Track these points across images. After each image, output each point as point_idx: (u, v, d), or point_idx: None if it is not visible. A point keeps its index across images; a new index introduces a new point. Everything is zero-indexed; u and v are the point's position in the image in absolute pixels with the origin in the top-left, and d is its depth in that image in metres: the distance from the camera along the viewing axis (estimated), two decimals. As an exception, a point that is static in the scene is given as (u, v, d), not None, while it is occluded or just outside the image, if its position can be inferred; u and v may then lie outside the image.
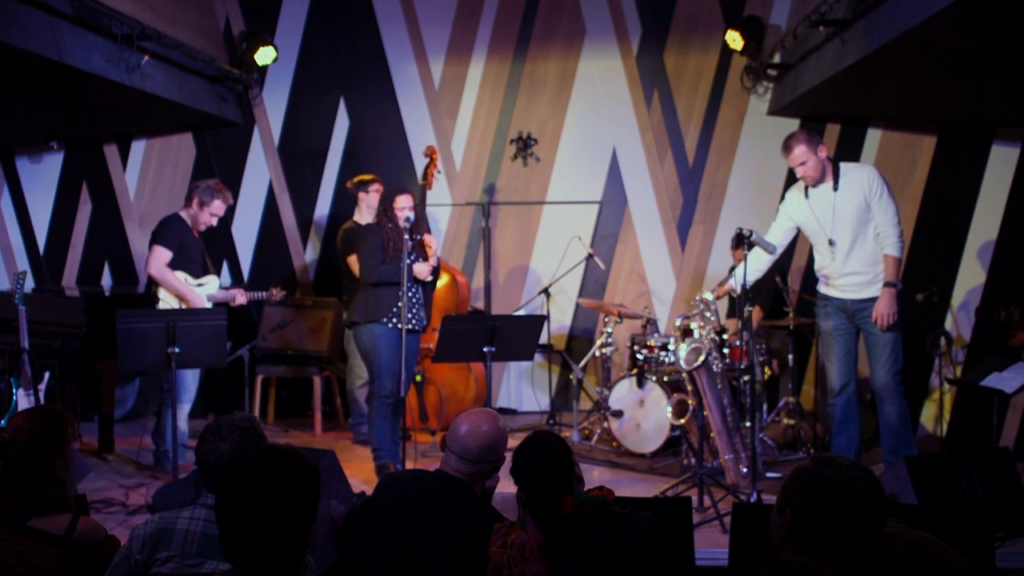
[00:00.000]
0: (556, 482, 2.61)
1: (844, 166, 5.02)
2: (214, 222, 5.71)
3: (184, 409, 5.58)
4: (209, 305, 5.62)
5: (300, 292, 7.52)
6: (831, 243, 5.00)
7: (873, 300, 4.93)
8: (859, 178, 4.94)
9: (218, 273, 5.95)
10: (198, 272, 5.68)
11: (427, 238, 5.46)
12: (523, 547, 2.53)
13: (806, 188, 5.08)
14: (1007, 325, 6.24)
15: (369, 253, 5.38)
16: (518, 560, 2.52)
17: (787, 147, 5.01)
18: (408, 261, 5.18)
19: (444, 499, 2.84)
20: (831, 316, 5.13)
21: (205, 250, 5.80)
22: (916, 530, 2.13)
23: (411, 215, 5.31)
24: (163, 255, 5.50)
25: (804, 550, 1.97)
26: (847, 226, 4.95)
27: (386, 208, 5.42)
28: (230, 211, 7.52)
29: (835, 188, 4.98)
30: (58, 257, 7.66)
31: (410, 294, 5.30)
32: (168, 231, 5.56)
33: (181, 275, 5.55)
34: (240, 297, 5.95)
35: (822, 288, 5.19)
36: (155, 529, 2.61)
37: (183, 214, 5.67)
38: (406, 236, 5.25)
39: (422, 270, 5.35)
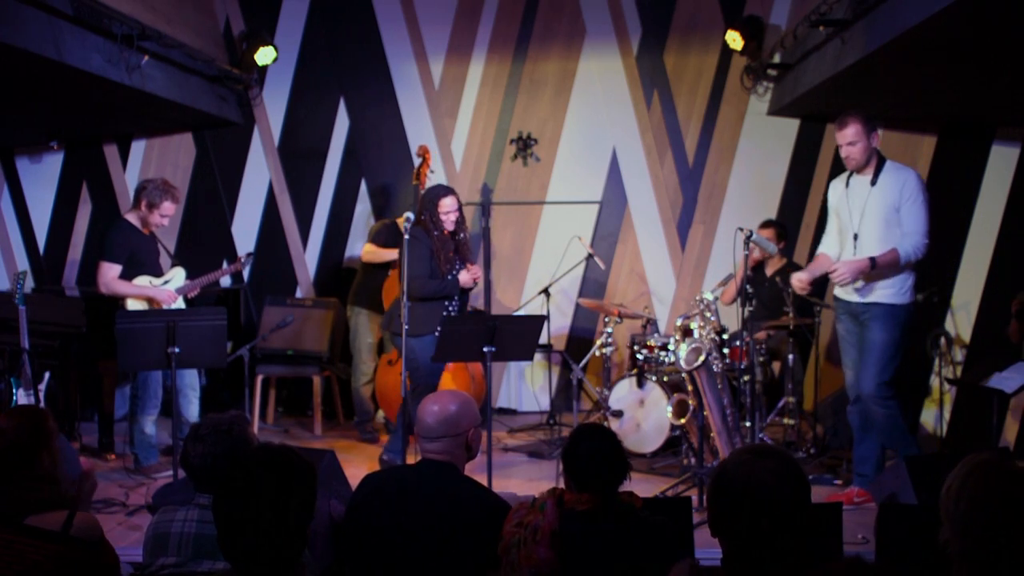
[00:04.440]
0: (617, 467, 2.68)
1: (888, 164, 4.81)
2: (165, 223, 5.60)
3: (152, 415, 5.59)
4: (180, 299, 5.56)
5: (300, 292, 7.52)
6: (855, 237, 4.81)
7: (880, 304, 4.76)
8: (898, 179, 4.73)
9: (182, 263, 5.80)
10: (158, 271, 5.61)
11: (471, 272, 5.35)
12: (536, 530, 2.54)
13: (848, 177, 4.88)
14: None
15: (417, 264, 5.15)
16: (528, 541, 2.54)
17: (842, 123, 4.75)
18: (453, 272, 5.21)
19: (429, 484, 2.86)
20: (842, 320, 4.97)
21: (161, 244, 5.69)
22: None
23: (412, 216, 5.27)
24: (109, 271, 5.40)
25: (725, 542, 1.98)
26: (875, 224, 4.75)
27: (431, 213, 5.24)
28: (230, 211, 7.53)
29: (872, 183, 4.77)
30: (58, 257, 7.65)
31: (458, 302, 5.31)
32: (113, 243, 5.44)
33: (144, 279, 5.50)
34: (201, 282, 5.72)
35: (836, 290, 4.99)
36: (152, 535, 2.63)
37: (131, 217, 5.56)
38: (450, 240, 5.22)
39: (466, 280, 5.31)
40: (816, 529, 3.42)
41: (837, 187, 5.01)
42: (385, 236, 6.39)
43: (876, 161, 4.80)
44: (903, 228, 4.74)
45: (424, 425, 2.94)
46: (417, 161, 6.23)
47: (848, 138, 4.75)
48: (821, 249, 5.12)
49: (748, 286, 5.14)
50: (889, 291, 4.78)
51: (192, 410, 5.65)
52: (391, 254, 6.28)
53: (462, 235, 5.38)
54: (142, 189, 5.53)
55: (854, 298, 4.87)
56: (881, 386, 4.76)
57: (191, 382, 5.66)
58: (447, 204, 5.26)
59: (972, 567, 1.87)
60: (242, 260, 6.01)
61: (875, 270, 4.71)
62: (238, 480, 1.91)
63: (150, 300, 5.48)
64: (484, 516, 2.76)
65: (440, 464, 2.90)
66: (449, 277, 5.26)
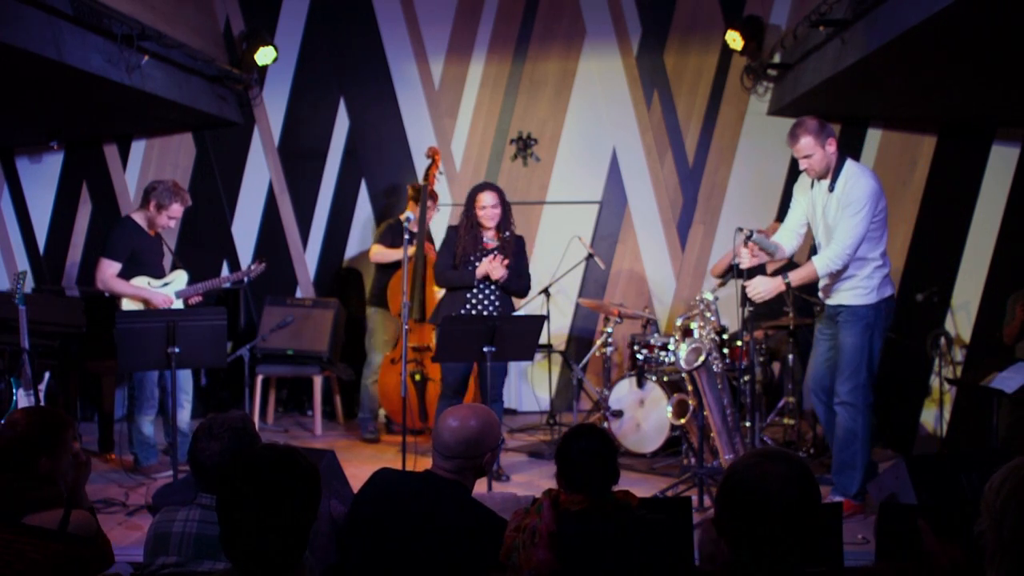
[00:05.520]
0: (609, 467, 2.67)
1: (848, 168, 4.58)
2: (172, 225, 5.61)
3: (149, 416, 5.57)
4: (178, 301, 5.54)
5: (300, 292, 7.52)
6: (820, 245, 4.74)
7: (845, 306, 4.65)
8: (850, 186, 4.52)
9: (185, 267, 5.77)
10: (160, 271, 5.61)
11: (489, 266, 5.27)
12: (534, 532, 2.54)
13: (814, 179, 4.73)
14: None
15: (441, 255, 5.42)
16: (527, 544, 2.54)
17: (794, 135, 4.55)
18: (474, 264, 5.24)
19: (432, 501, 2.80)
20: (823, 319, 4.88)
21: (165, 245, 5.69)
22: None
23: (412, 215, 5.32)
24: (108, 268, 5.41)
25: (732, 544, 2.00)
26: (831, 231, 4.63)
27: (468, 208, 5.37)
28: (230, 211, 7.53)
29: (831, 189, 4.60)
30: (58, 257, 7.65)
31: (483, 296, 5.31)
32: (115, 240, 5.46)
33: (143, 280, 5.50)
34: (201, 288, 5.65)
35: (819, 292, 4.93)
36: (153, 535, 2.62)
37: (137, 216, 5.57)
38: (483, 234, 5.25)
39: (480, 271, 5.29)
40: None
41: (802, 189, 4.87)
42: (391, 236, 6.40)
43: (836, 165, 4.60)
44: (833, 235, 4.56)
45: (440, 441, 2.86)
46: (427, 162, 6.24)
47: (803, 151, 4.56)
48: (774, 238, 4.97)
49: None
50: (852, 292, 4.65)
51: (183, 415, 5.59)
52: (398, 254, 6.28)
53: (507, 233, 5.39)
54: (152, 190, 5.53)
55: (828, 300, 4.79)
56: (856, 390, 4.60)
57: (183, 385, 5.60)
58: (483, 199, 5.32)
59: (1005, 560, 1.90)
60: (252, 268, 5.92)
61: (794, 287, 4.65)
62: (243, 480, 1.91)
63: (146, 301, 5.48)
64: (488, 536, 2.72)
65: (449, 483, 2.84)
66: (470, 268, 5.30)
